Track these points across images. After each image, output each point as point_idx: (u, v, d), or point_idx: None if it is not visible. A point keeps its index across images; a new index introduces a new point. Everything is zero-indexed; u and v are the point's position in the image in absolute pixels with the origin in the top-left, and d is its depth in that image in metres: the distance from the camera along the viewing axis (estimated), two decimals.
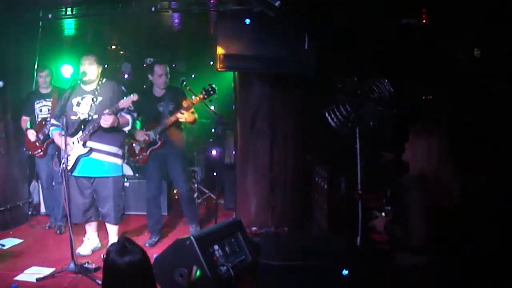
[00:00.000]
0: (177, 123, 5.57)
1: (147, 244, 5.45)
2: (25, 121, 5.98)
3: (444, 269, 2.83)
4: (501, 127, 5.17)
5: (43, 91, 6.01)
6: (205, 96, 5.47)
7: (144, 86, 5.71)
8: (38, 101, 5.94)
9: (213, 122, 7.15)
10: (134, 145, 5.71)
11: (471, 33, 5.63)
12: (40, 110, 5.92)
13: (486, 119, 5.41)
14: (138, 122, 5.82)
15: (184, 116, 5.43)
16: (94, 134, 4.83)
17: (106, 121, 4.69)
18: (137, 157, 5.71)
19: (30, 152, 6.03)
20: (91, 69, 4.90)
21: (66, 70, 7.54)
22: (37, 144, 5.85)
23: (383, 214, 3.09)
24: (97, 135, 4.85)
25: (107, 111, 4.70)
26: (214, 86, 5.49)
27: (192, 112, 5.59)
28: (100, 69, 5.02)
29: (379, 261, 3.67)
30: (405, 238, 2.81)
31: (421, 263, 2.83)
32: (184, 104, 5.46)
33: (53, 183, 6.04)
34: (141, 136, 5.59)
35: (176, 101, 5.55)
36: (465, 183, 3.17)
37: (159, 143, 5.54)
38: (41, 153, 5.90)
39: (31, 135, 5.79)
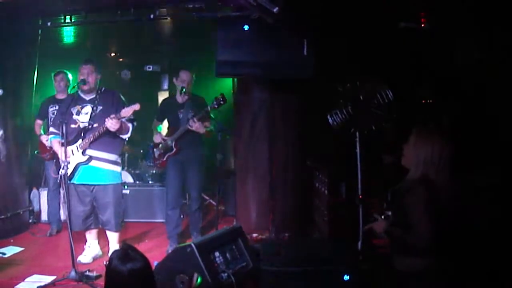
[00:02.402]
0: (195, 132, 5.43)
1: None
2: (39, 125, 6.13)
3: (444, 273, 2.82)
4: (501, 130, 5.17)
5: (59, 96, 6.11)
6: (215, 106, 5.30)
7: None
8: (52, 105, 6.06)
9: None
10: (155, 149, 5.70)
11: (471, 36, 5.64)
12: (53, 113, 5.98)
13: (487, 122, 5.41)
14: (160, 126, 5.89)
15: (196, 126, 5.32)
16: (94, 142, 4.83)
17: (113, 124, 4.66)
18: (156, 162, 5.74)
19: (40, 155, 6.16)
20: (90, 77, 4.91)
21: None
22: (48, 147, 5.90)
23: (382, 217, 3.07)
24: (96, 143, 4.85)
25: (112, 116, 4.68)
26: (224, 95, 5.35)
27: (206, 124, 5.49)
28: (99, 77, 5.03)
29: (381, 266, 3.66)
30: (405, 239, 2.80)
31: (422, 267, 2.82)
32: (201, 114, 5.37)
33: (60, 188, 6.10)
34: (158, 138, 5.61)
35: (196, 110, 5.43)
36: (465, 185, 3.17)
37: (175, 149, 5.52)
38: (49, 156, 5.94)
39: (45, 141, 5.89)
